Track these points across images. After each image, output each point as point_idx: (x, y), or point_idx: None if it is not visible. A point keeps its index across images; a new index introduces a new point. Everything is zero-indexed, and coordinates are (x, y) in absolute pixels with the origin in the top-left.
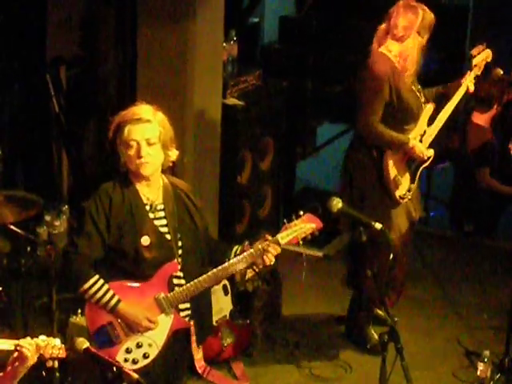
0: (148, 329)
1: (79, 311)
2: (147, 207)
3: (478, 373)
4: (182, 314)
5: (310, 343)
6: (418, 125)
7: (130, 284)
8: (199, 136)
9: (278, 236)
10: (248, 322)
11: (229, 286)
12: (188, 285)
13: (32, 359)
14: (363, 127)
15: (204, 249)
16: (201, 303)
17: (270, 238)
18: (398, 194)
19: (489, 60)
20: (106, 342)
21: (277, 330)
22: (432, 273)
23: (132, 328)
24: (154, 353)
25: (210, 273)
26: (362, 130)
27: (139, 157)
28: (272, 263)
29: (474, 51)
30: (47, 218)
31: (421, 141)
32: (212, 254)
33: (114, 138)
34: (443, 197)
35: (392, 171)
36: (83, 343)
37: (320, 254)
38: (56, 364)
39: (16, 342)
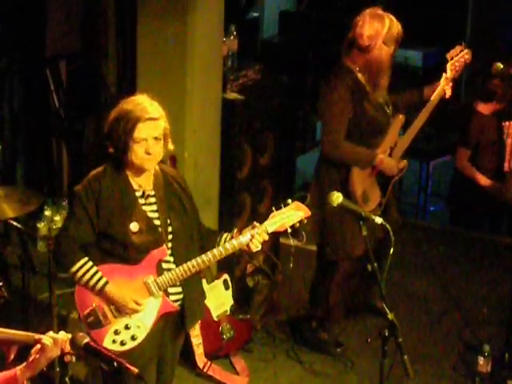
0: (135, 311)
1: None
2: (138, 193)
3: (478, 367)
4: (172, 297)
5: None
6: (387, 137)
7: (119, 266)
8: (199, 130)
9: (266, 223)
10: (248, 316)
11: (229, 281)
12: (177, 269)
13: (54, 352)
14: (328, 146)
15: (195, 235)
16: (193, 288)
17: (258, 225)
18: (366, 210)
19: (468, 62)
20: (95, 323)
21: (277, 324)
22: (432, 267)
23: (120, 310)
24: (142, 335)
25: (198, 258)
26: (327, 149)
27: (148, 154)
28: (258, 249)
29: (450, 54)
30: (47, 212)
31: (390, 154)
32: (202, 241)
33: (124, 132)
34: (443, 191)
35: (359, 187)
36: (83, 338)
37: None
38: (74, 359)
39: (36, 335)
